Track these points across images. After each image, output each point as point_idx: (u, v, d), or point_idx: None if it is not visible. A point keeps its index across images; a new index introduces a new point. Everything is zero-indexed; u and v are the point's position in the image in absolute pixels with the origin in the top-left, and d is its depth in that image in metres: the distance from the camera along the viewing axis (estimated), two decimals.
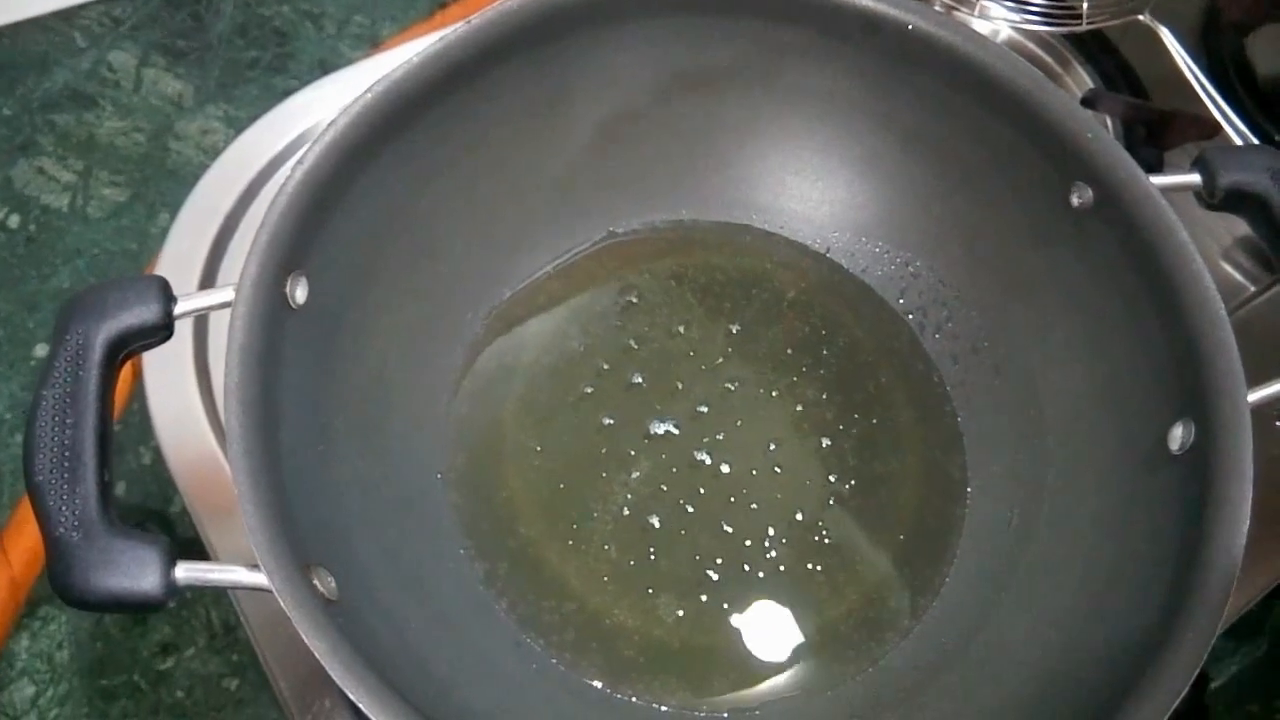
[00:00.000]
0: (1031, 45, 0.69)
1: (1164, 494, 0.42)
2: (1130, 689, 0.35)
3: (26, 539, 0.55)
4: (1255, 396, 0.40)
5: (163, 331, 0.39)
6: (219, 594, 0.54)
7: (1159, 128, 0.62)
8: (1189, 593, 0.37)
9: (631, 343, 0.54)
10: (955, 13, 0.64)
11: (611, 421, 0.52)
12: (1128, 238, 0.44)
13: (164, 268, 0.56)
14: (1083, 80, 0.68)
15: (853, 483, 0.51)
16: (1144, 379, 0.44)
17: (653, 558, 0.48)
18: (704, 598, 0.48)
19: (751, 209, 0.57)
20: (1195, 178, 0.44)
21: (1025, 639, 0.44)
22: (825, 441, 0.52)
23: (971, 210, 0.52)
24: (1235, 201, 0.44)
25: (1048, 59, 0.69)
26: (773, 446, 0.51)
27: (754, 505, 0.50)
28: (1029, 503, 0.48)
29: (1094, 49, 0.68)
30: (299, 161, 0.41)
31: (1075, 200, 0.46)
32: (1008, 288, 0.51)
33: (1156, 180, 0.44)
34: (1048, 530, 0.46)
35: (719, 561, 0.48)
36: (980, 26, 0.65)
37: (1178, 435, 0.41)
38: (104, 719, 0.53)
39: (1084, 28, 0.64)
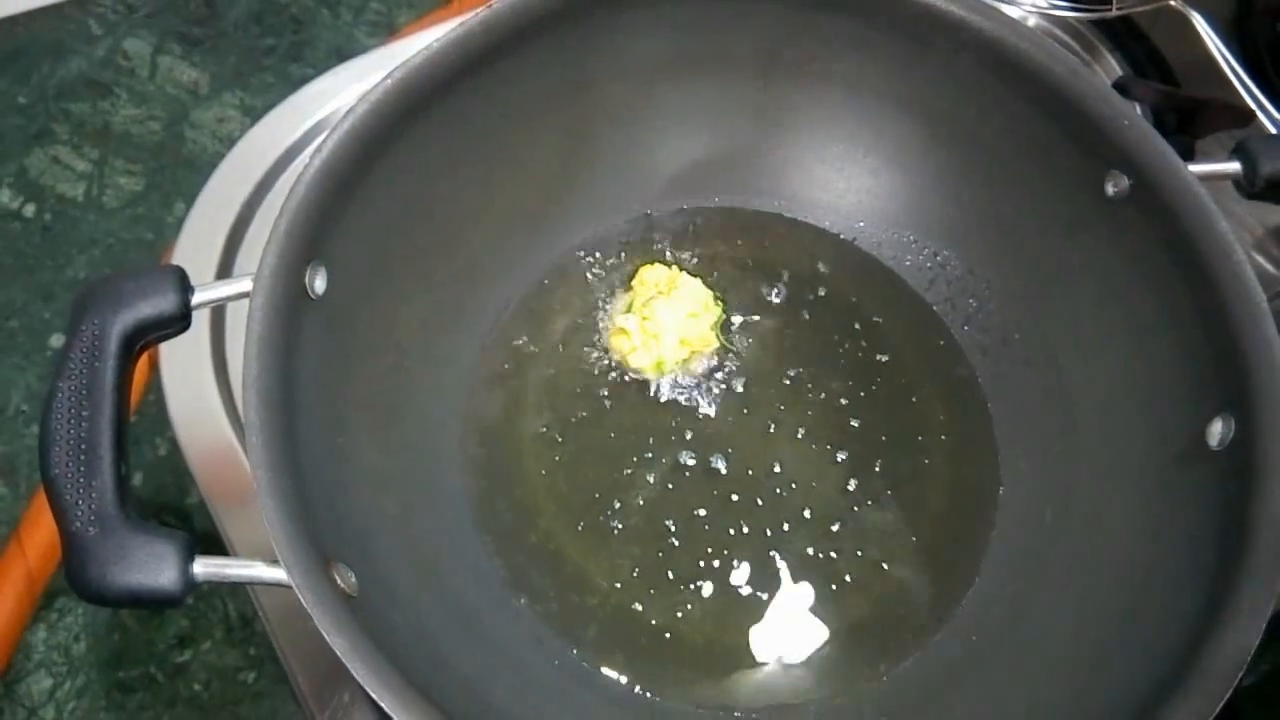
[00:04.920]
0: (1058, 31, 0.68)
1: (1201, 491, 0.41)
2: (1170, 693, 0.35)
3: (43, 531, 0.54)
4: None
5: (180, 322, 0.38)
6: (236, 586, 0.54)
7: (1190, 115, 0.60)
8: (1230, 594, 0.36)
9: None
10: None
11: (634, 412, 0.51)
12: (1165, 228, 0.43)
13: (180, 257, 0.56)
14: (1111, 67, 0.66)
15: (880, 477, 0.50)
16: (1180, 372, 0.43)
17: (675, 552, 0.48)
18: (729, 594, 0.47)
19: (777, 196, 0.56)
20: (1235, 166, 0.43)
21: (1058, 639, 0.43)
22: (851, 434, 0.51)
23: (1002, 198, 0.51)
24: (1278, 190, 0.43)
25: (1075, 45, 0.68)
26: (797, 438, 0.50)
27: (779, 499, 0.49)
28: (1062, 500, 0.47)
29: (1123, 35, 0.67)
30: (318, 149, 0.41)
31: (1110, 189, 0.45)
32: (1039, 278, 0.50)
33: (1195, 168, 0.42)
34: (1081, 528, 0.45)
35: (744, 557, 0.48)
36: (1009, 13, 0.63)
37: (1217, 431, 0.40)
38: (121, 711, 0.52)
39: (1114, 13, 0.62)
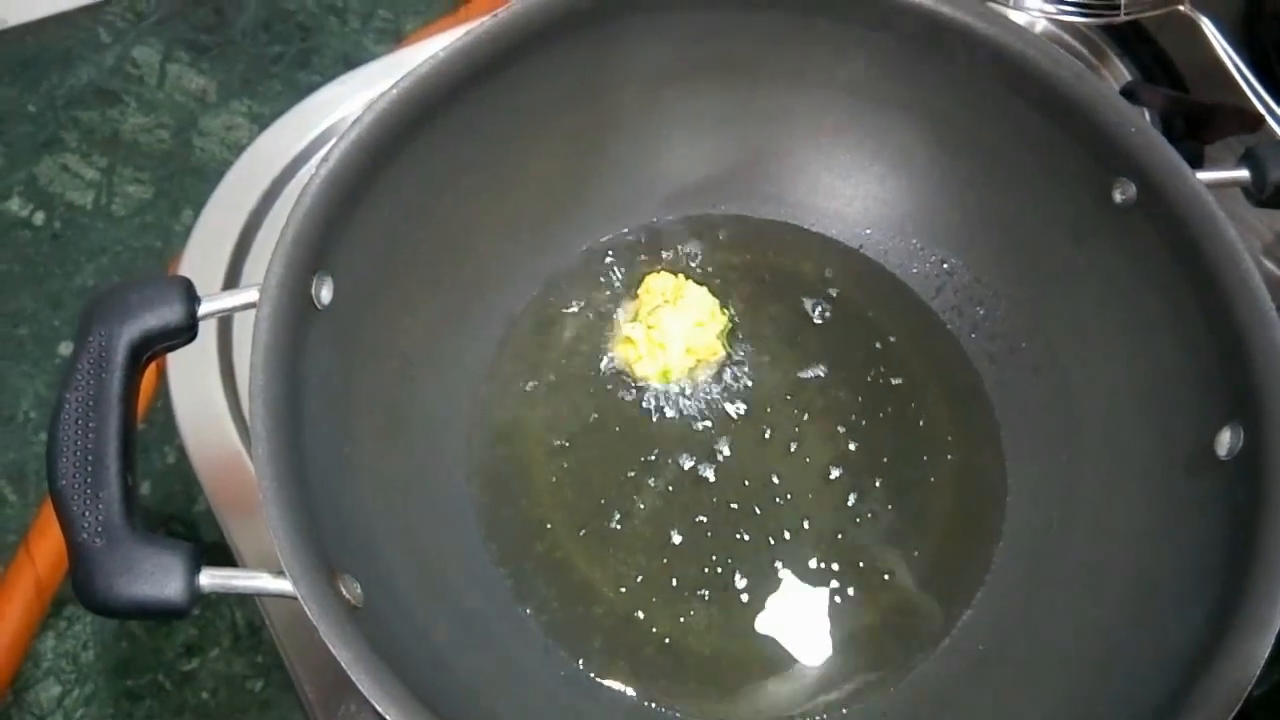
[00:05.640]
0: (1067, 37, 0.68)
1: (1210, 500, 0.40)
2: (1179, 704, 0.34)
3: (51, 539, 0.54)
4: None
5: (187, 333, 0.38)
6: (244, 595, 0.54)
7: (1199, 121, 0.60)
8: (1239, 603, 0.35)
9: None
10: (991, 4, 0.62)
11: (639, 420, 0.51)
12: (1172, 235, 0.43)
13: (187, 266, 0.56)
14: (1120, 73, 0.66)
15: (885, 487, 0.49)
16: (1187, 380, 0.43)
17: (681, 564, 0.48)
18: (734, 605, 0.47)
19: (783, 204, 0.56)
20: (1244, 173, 0.43)
21: (1065, 648, 0.43)
22: (856, 445, 0.50)
23: (1008, 205, 0.51)
24: None
25: (1083, 50, 0.68)
26: (801, 448, 0.50)
27: (784, 509, 0.49)
28: (1069, 508, 0.46)
29: (1132, 40, 0.67)
30: (324, 159, 0.41)
31: (1118, 196, 0.45)
32: (1046, 285, 0.50)
33: (1203, 176, 0.42)
34: (1088, 536, 0.45)
35: (748, 567, 0.48)
36: (1016, 18, 0.63)
37: (1225, 440, 0.40)
38: (129, 719, 0.52)
39: (1122, 18, 0.62)
